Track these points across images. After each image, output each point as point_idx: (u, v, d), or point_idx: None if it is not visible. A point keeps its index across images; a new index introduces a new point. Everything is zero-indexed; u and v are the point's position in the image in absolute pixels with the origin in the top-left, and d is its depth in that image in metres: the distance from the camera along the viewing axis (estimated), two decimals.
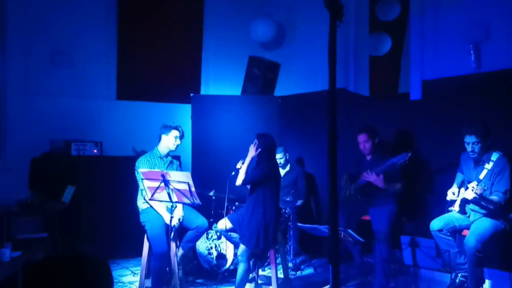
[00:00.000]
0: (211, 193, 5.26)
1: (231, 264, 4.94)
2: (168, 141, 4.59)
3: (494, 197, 4.00)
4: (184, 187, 3.94)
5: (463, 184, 4.37)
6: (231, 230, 4.42)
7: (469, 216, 4.22)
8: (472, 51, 4.70)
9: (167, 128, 4.60)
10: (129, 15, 6.65)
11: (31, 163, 5.74)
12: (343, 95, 5.48)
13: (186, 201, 4.05)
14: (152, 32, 6.77)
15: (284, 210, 5.19)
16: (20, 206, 5.04)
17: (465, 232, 4.22)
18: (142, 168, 4.28)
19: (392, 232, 4.59)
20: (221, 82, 7.17)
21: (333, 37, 1.82)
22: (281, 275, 4.60)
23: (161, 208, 4.40)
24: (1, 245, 3.80)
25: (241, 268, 4.22)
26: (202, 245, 5.04)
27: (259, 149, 4.24)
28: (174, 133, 4.59)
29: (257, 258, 4.50)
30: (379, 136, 4.83)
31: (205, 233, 4.95)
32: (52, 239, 4.99)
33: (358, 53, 5.81)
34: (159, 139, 4.62)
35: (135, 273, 5.19)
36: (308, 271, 5.47)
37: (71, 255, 1.47)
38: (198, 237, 4.65)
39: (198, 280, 5.02)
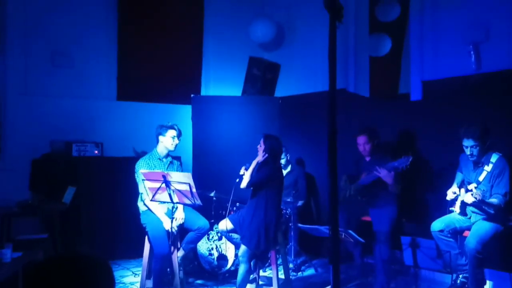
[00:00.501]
0: (212, 194, 5.26)
1: (232, 264, 4.95)
2: (166, 142, 4.54)
3: (493, 200, 3.98)
4: (185, 187, 3.94)
5: (463, 184, 4.36)
6: (232, 230, 4.42)
7: (470, 218, 4.22)
8: (472, 52, 4.69)
9: (163, 129, 4.53)
10: (130, 16, 6.65)
11: (32, 164, 5.74)
12: (343, 95, 5.48)
13: (187, 202, 4.05)
14: (152, 33, 6.77)
15: (284, 211, 5.19)
16: (20, 207, 5.04)
17: (466, 233, 4.22)
18: (142, 170, 4.27)
19: (392, 233, 4.59)
20: (222, 83, 7.18)
21: (333, 38, 1.83)
22: (282, 275, 4.60)
23: (161, 213, 4.39)
24: (2, 246, 3.80)
25: (242, 269, 4.22)
26: (203, 246, 5.04)
27: (266, 155, 4.23)
28: (171, 132, 4.53)
29: (258, 258, 4.50)
30: (379, 137, 4.82)
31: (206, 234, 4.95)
32: (53, 240, 4.99)
33: (358, 54, 5.81)
34: (157, 140, 4.58)
35: (136, 274, 5.19)
36: (309, 271, 5.47)
37: (72, 255, 1.46)
38: (199, 238, 4.65)
39: (199, 281, 5.02)
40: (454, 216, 4.31)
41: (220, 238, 5.03)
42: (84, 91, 6.38)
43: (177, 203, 4.12)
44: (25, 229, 5.10)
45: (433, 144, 5.08)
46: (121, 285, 4.89)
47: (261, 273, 4.90)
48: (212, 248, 5.04)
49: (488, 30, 4.66)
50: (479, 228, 4.05)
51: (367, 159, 4.83)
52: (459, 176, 4.46)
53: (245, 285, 4.29)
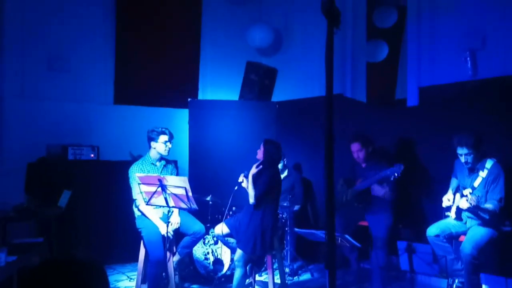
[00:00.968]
0: (208, 198, 5.25)
1: (228, 269, 4.93)
2: (159, 148, 4.50)
3: (489, 205, 4.00)
4: (181, 192, 3.93)
5: (458, 190, 4.37)
6: (228, 235, 4.41)
7: (465, 223, 4.23)
8: (468, 58, 4.73)
9: (154, 134, 4.49)
10: (127, 20, 6.65)
11: (27, 168, 5.72)
12: (340, 101, 5.50)
13: (183, 206, 4.04)
14: (150, 37, 6.77)
15: (281, 215, 5.19)
16: (16, 211, 5.02)
17: (461, 238, 4.23)
18: (138, 173, 4.26)
19: (389, 239, 4.59)
20: (219, 87, 7.18)
21: (330, 43, 1.83)
22: (278, 280, 4.60)
23: (156, 218, 4.38)
24: None
25: (237, 273, 4.21)
26: (198, 250, 5.02)
27: (260, 166, 4.21)
28: (163, 138, 4.49)
29: (254, 263, 4.49)
30: (373, 144, 4.82)
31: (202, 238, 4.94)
32: (48, 243, 4.96)
33: (355, 60, 5.84)
34: (149, 146, 4.56)
35: (131, 278, 5.17)
36: (305, 276, 5.46)
37: (67, 259, 1.46)
38: (195, 242, 4.63)
39: (195, 286, 5.00)
40: (450, 221, 4.32)
41: (216, 243, 5.02)
42: (81, 95, 6.36)
43: (173, 207, 4.11)
44: (21, 233, 5.08)
45: (429, 149, 5.09)
46: None
47: (257, 277, 4.89)
48: (208, 253, 5.03)
49: (485, 37, 4.69)
50: (475, 233, 4.06)
51: (363, 165, 4.84)
52: (454, 182, 4.48)
53: None
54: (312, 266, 5.75)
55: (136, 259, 4.47)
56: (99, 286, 1.45)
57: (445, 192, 4.46)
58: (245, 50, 6.96)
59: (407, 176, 4.47)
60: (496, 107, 4.55)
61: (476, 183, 4.12)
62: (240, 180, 4.34)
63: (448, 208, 4.38)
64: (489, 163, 4.11)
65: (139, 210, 4.41)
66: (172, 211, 4.36)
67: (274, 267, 4.53)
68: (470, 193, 3.95)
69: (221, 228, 4.37)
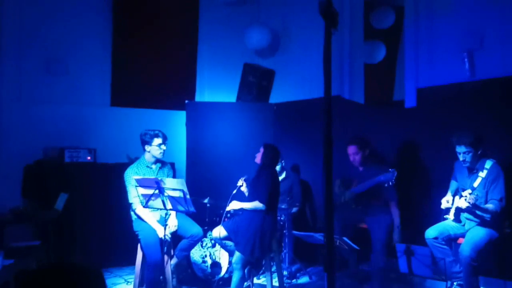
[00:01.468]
0: (206, 200, 5.23)
1: (226, 272, 4.91)
2: (154, 151, 4.48)
3: (490, 206, 3.99)
4: (178, 194, 3.91)
5: (457, 192, 4.36)
6: (226, 238, 4.39)
7: (464, 225, 4.22)
8: (466, 59, 4.72)
9: (147, 137, 4.45)
10: (124, 22, 6.64)
11: (24, 171, 5.69)
12: (338, 102, 5.49)
13: (181, 208, 4.02)
14: (147, 39, 6.76)
15: (279, 218, 5.17)
16: (13, 214, 5.00)
17: (460, 240, 4.22)
18: (135, 176, 4.23)
19: (388, 241, 4.58)
20: (216, 89, 7.16)
21: (328, 45, 1.82)
22: (276, 283, 4.58)
23: (153, 221, 4.35)
24: None
25: (235, 277, 4.19)
26: (196, 253, 5.00)
27: (244, 183, 4.36)
28: (157, 141, 4.46)
29: (252, 266, 4.48)
30: (370, 146, 4.81)
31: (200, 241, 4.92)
32: (45, 247, 4.95)
33: (353, 61, 5.83)
34: (143, 149, 4.52)
35: (128, 282, 5.14)
36: (304, 279, 5.44)
37: (64, 264, 1.46)
38: (192, 245, 4.61)
39: None
40: (449, 223, 4.30)
41: (213, 245, 5.00)
42: (78, 97, 6.34)
43: (170, 209, 4.09)
44: (17, 236, 5.05)
45: (427, 151, 5.08)
46: None
47: (255, 280, 4.87)
48: (206, 256, 5.00)
49: (482, 37, 4.69)
50: (474, 235, 4.04)
51: (360, 169, 4.82)
52: (453, 184, 4.47)
53: None
54: (311, 268, 5.73)
55: (133, 262, 4.45)
56: None
57: (444, 194, 4.44)
58: (243, 52, 6.94)
59: (405, 178, 4.46)
60: (494, 108, 4.54)
61: (476, 183, 4.12)
62: (239, 184, 4.34)
63: (447, 211, 4.37)
64: (488, 164, 4.11)
65: (136, 213, 4.39)
66: (170, 214, 4.34)
67: (272, 270, 4.52)
68: (469, 194, 3.94)
69: (219, 231, 4.36)
